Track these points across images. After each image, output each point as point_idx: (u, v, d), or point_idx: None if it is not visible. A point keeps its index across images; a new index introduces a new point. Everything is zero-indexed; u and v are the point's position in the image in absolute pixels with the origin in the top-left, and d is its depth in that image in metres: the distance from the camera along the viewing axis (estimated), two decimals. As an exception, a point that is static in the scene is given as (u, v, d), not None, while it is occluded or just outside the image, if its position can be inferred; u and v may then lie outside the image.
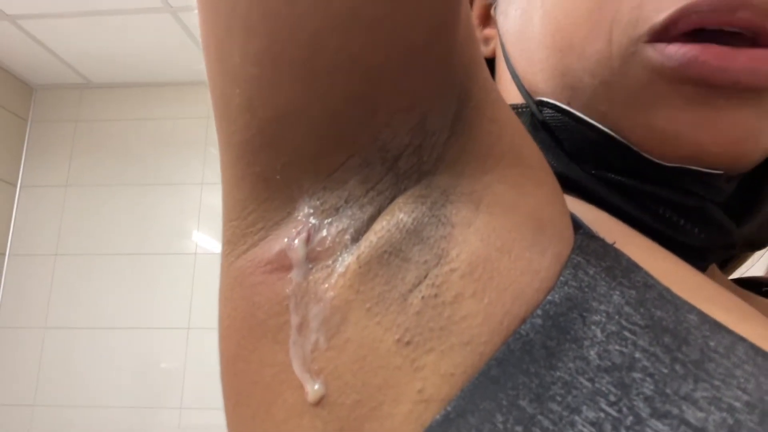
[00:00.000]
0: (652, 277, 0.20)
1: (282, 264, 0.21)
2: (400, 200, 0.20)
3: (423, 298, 0.19)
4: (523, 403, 0.17)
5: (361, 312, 0.19)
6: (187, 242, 2.27)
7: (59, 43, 2.13)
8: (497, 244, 0.20)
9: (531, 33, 0.30)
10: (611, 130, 0.27)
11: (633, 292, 0.19)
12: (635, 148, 0.27)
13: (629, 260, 0.21)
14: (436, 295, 0.19)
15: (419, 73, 0.20)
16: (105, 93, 2.43)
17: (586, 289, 0.19)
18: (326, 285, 0.20)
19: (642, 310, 0.19)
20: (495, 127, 0.22)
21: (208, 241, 2.26)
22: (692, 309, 0.19)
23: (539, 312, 0.19)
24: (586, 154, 0.29)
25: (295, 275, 0.20)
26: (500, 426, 0.17)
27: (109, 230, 2.28)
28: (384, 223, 0.20)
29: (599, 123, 0.28)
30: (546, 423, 0.16)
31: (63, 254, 2.28)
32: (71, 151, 2.37)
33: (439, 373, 0.18)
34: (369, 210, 0.20)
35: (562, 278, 0.20)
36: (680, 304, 0.19)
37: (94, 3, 1.88)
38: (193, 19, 1.97)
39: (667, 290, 0.20)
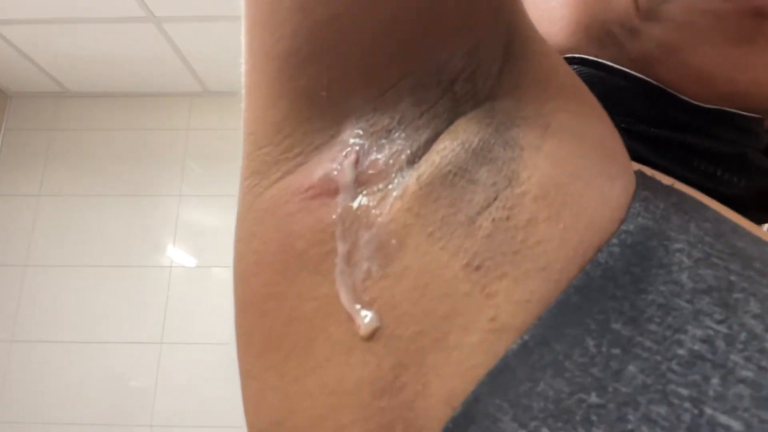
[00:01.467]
0: (721, 213, 0.20)
1: (326, 189, 0.19)
2: (461, 122, 0.19)
3: (493, 220, 0.18)
4: (616, 326, 0.16)
5: (421, 237, 0.18)
6: (162, 255, 2.22)
7: (37, 50, 2.10)
8: (568, 170, 0.19)
9: None
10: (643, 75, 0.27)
11: (708, 224, 0.19)
12: (670, 90, 0.26)
13: (693, 198, 0.20)
14: (507, 218, 0.18)
15: None
16: (82, 102, 2.39)
17: (661, 221, 0.18)
18: (380, 209, 0.19)
19: (722, 240, 0.18)
20: (547, 60, 0.21)
21: (183, 255, 2.22)
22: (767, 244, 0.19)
23: (615, 241, 0.18)
24: (617, 106, 0.28)
25: (342, 200, 0.19)
26: (593, 350, 0.16)
27: (81, 242, 2.22)
28: (447, 143, 0.19)
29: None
30: (648, 343, 0.15)
31: (33, 265, 2.21)
32: (45, 160, 2.32)
33: (513, 300, 0.17)
34: (425, 133, 0.19)
35: (633, 210, 0.19)
36: (756, 238, 0.19)
37: (76, 10, 1.86)
38: (177, 30, 1.96)
39: (739, 225, 0.19)
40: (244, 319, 0.21)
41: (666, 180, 0.21)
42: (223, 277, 2.18)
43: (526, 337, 0.17)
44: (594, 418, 0.15)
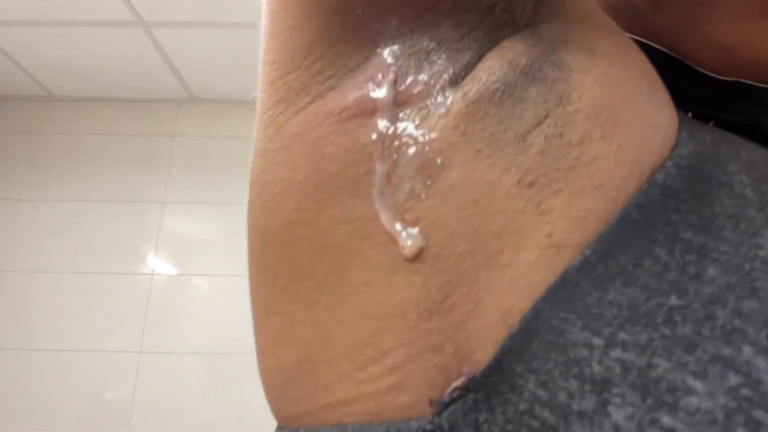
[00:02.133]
0: (764, 149, 0.20)
1: (362, 110, 0.19)
2: (506, 43, 0.19)
3: (546, 137, 0.17)
4: (686, 235, 0.16)
5: (468, 154, 0.17)
6: (143, 263, 2.19)
7: (23, 54, 2.08)
8: (618, 93, 0.19)
9: None
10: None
11: (756, 153, 0.19)
12: (688, 62, 0.26)
13: (734, 135, 0.20)
14: (560, 135, 0.17)
15: None
16: (67, 106, 2.37)
17: (711, 148, 0.18)
18: (422, 129, 0.18)
19: None
20: (581, 1, 0.21)
21: (164, 263, 2.19)
22: None
23: (670, 163, 0.18)
24: None
25: (380, 120, 0.18)
26: (665, 258, 0.15)
27: (59, 247, 2.18)
28: (494, 61, 0.19)
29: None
30: (724, 248, 0.15)
31: (9, 271, 2.16)
32: (27, 165, 2.29)
33: (570, 217, 0.17)
34: (466, 55, 0.19)
35: (681, 138, 0.19)
36: None
37: (64, 13, 1.85)
38: (165, 35, 1.96)
39: None
40: (267, 253, 0.20)
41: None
42: (205, 286, 2.15)
43: (587, 253, 0.16)
44: (678, 318, 0.14)
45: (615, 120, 0.18)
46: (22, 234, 2.20)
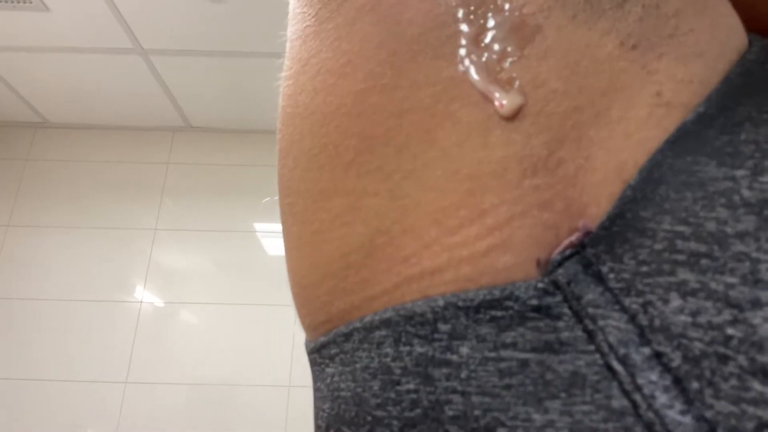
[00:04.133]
0: None
1: None
2: None
3: (644, 6, 0.17)
4: None
5: (563, 19, 0.17)
6: (132, 292, 2.15)
7: (19, 79, 2.08)
8: None
9: None
10: None
11: None
12: None
13: None
14: (657, 6, 0.17)
15: None
16: (61, 133, 2.36)
17: None
18: None
19: None
20: None
21: (153, 293, 2.15)
22: None
23: (754, 48, 0.18)
24: None
25: None
26: None
27: (48, 274, 2.14)
28: None
29: None
30: None
31: (-6, 297, 2.11)
32: (18, 191, 2.27)
33: (676, 79, 0.16)
34: None
35: (750, 36, 0.19)
36: None
37: (62, 39, 1.87)
38: (164, 63, 1.98)
39: None
40: (324, 132, 0.19)
41: None
42: (193, 316, 2.11)
43: (701, 109, 0.16)
44: None
45: (704, 1, 0.18)
46: (10, 260, 2.17)
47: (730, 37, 0.18)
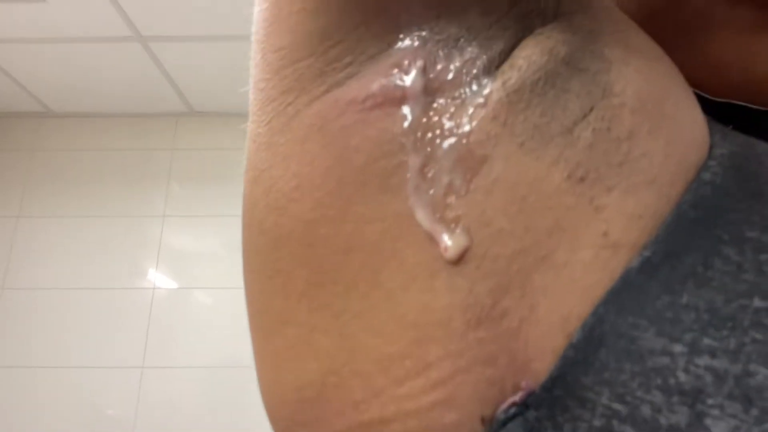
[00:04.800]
0: None
1: (389, 98, 0.17)
2: (542, 31, 0.18)
3: (594, 131, 0.16)
4: (752, 234, 0.15)
5: (511, 147, 0.16)
6: (144, 278, 2.18)
7: (20, 70, 2.08)
8: (659, 85, 0.18)
9: None
10: None
11: None
12: None
13: (762, 142, 0.19)
14: (608, 129, 0.16)
15: None
16: (65, 122, 2.37)
17: (747, 147, 0.18)
18: (458, 119, 0.17)
19: None
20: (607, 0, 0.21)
21: (165, 278, 2.18)
22: None
23: (713, 162, 0.17)
24: None
25: (411, 109, 0.17)
26: (736, 258, 0.15)
27: (60, 263, 2.17)
28: (533, 50, 0.17)
29: None
30: None
31: (9, 288, 2.15)
32: (26, 181, 2.28)
33: (626, 214, 0.16)
34: (498, 43, 0.18)
35: (715, 138, 0.18)
36: None
37: (61, 29, 1.85)
38: (163, 50, 1.96)
39: None
40: (278, 256, 0.18)
41: None
42: (207, 299, 2.14)
43: (646, 253, 0.15)
44: (766, 321, 0.14)
45: (660, 114, 0.17)
46: (21, 250, 2.19)
47: (687, 152, 0.17)
